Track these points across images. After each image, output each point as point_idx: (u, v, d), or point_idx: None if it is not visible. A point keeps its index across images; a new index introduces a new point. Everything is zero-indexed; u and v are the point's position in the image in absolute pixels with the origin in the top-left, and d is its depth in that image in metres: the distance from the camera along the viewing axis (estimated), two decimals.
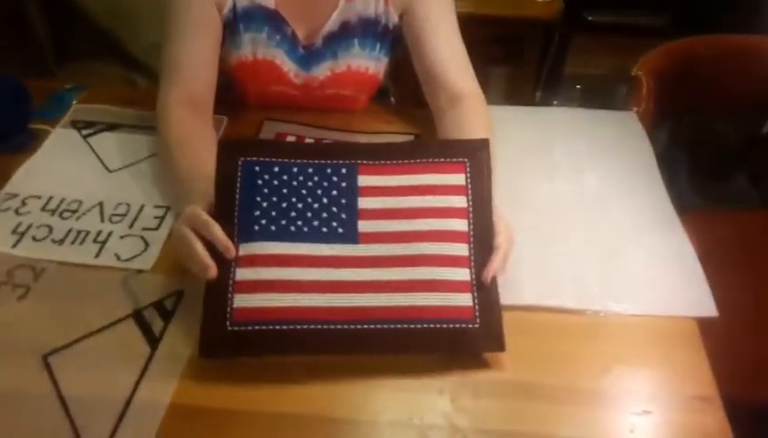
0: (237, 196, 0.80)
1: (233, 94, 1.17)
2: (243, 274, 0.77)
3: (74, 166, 1.04)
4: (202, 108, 1.03)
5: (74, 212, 0.96)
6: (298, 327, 0.75)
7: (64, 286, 0.86)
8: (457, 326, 0.76)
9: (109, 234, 0.93)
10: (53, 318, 0.82)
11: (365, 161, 0.84)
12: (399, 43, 1.13)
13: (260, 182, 0.81)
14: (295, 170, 0.83)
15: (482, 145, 0.85)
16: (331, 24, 1.07)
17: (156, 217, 0.95)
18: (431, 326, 0.76)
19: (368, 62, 1.11)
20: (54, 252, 0.90)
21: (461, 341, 0.76)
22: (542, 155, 1.08)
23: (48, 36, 2.02)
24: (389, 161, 0.84)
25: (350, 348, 0.76)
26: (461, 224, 0.81)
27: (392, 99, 1.39)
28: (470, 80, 1.07)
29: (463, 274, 0.79)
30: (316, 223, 0.80)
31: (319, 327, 0.75)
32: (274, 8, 1.05)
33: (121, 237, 0.92)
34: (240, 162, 0.82)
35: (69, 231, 0.93)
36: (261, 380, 0.76)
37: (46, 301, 0.84)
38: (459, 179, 0.83)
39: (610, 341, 0.82)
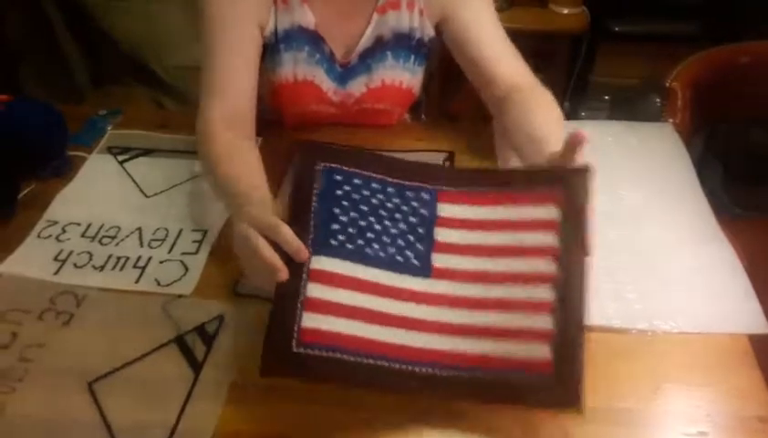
0: (314, 204, 0.76)
1: (267, 117, 1.18)
2: (314, 290, 0.72)
3: (112, 192, 1.05)
4: (245, 124, 1.00)
5: (113, 237, 0.97)
6: (366, 361, 0.69)
7: (106, 313, 0.86)
8: (531, 379, 0.68)
9: (149, 259, 0.93)
10: (97, 344, 0.82)
11: (446, 188, 0.80)
12: (432, 55, 1.13)
13: (340, 192, 0.77)
14: (375, 185, 0.79)
15: (581, 172, 0.74)
16: (365, 40, 1.07)
17: (194, 241, 0.96)
18: (502, 376, 0.69)
19: (403, 75, 1.11)
20: (95, 278, 0.90)
21: (533, 396, 0.68)
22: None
23: (80, 60, 2.06)
24: (472, 189, 0.79)
25: (415, 389, 0.69)
26: (546, 266, 0.72)
27: (423, 115, 1.39)
28: (527, 73, 1.04)
29: (544, 321, 0.70)
30: (392, 250, 0.76)
31: (387, 365, 0.70)
32: (314, 28, 1.05)
33: (161, 262, 0.92)
34: (320, 168, 0.78)
35: (109, 257, 0.94)
36: (305, 406, 0.75)
37: (90, 327, 0.84)
38: (550, 212, 0.75)
39: (658, 360, 0.80)
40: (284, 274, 0.72)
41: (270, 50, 1.06)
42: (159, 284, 0.89)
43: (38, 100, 1.13)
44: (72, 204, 1.03)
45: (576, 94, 2.11)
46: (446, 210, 0.79)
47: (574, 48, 2.02)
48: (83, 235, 0.97)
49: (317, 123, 1.15)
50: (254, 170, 0.88)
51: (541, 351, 0.69)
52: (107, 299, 0.88)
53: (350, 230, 0.76)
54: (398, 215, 0.78)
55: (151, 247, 0.95)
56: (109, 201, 1.03)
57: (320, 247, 0.75)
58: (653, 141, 1.13)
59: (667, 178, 1.05)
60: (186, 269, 0.91)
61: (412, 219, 0.78)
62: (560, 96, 2.08)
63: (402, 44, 1.08)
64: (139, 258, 0.93)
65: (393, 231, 0.77)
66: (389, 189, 0.80)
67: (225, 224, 0.98)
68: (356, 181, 0.79)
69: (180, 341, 0.82)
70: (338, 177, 0.78)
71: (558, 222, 0.74)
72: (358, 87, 1.11)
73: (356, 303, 0.73)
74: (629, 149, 1.11)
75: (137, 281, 0.90)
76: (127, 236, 0.97)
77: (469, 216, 0.78)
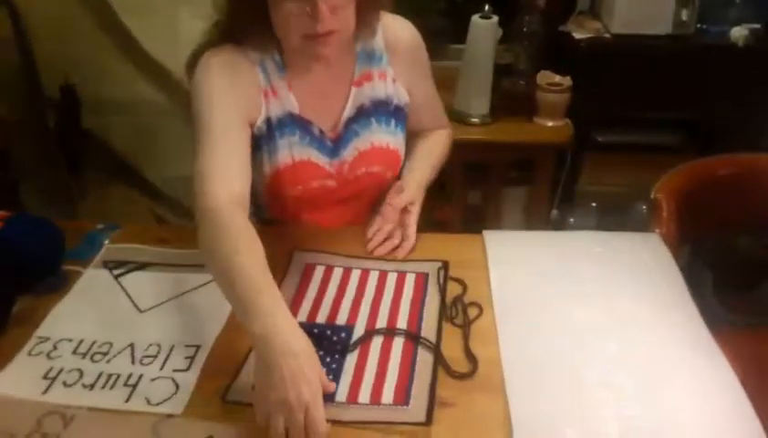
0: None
1: (265, 218, 1.25)
2: None
3: (105, 307, 1.05)
4: (244, 205, 1.01)
5: (105, 354, 0.96)
6: None
7: (94, 435, 0.84)
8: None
9: (140, 376, 0.92)
10: None
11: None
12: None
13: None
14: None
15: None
16: (348, 110, 1.19)
17: (187, 357, 0.95)
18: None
19: (387, 137, 1.22)
20: (84, 397, 0.89)
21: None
22: (569, 280, 1.08)
23: (70, 166, 2.10)
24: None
25: None
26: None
27: None
28: (439, 125, 1.36)
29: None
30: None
31: None
32: (298, 113, 1.15)
33: (152, 380, 0.91)
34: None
35: (100, 374, 0.92)
36: None
37: None
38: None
39: None
40: None
41: (266, 139, 1.14)
42: (149, 403, 0.88)
43: (37, 218, 1.14)
44: (65, 320, 1.03)
45: (564, 202, 2.15)
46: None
47: (559, 158, 2.09)
48: (74, 352, 0.97)
49: (319, 199, 1.20)
50: (265, 264, 0.89)
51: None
52: (95, 420, 0.86)
53: None
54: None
55: (143, 364, 0.94)
56: (103, 316, 1.03)
57: None
58: (641, 252, 1.15)
59: (658, 289, 1.06)
60: (177, 387, 0.90)
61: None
62: (548, 204, 2.14)
63: (382, 109, 1.21)
64: (130, 376, 0.92)
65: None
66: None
67: (217, 339, 0.98)
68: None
69: None
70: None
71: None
72: (349, 152, 1.19)
73: None
74: (620, 260, 1.13)
75: (127, 400, 0.88)
76: (119, 353, 0.96)
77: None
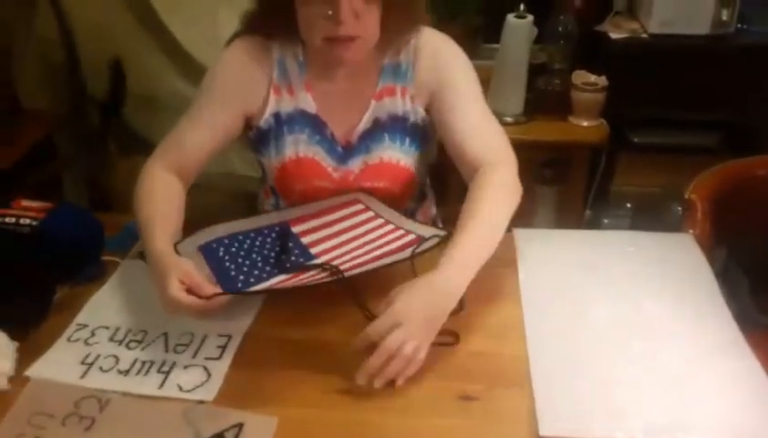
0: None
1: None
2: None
3: (141, 297, 1.08)
4: (186, 177, 1.14)
5: (139, 342, 0.99)
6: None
7: (127, 418, 0.87)
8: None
9: (173, 364, 0.94)
10: None
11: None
12: (430, 138, 1.23)
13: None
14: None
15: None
16: (364, 123, 1.17)
17: (218, 347, 0.97)
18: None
19: (399, 154, 1.18)
20: (119, 383, 0.92)
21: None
22: (600, 278, 1.08)
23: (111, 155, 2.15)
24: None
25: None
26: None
27: (434, 208, 1.41)
28: (491, 154, 1.09)
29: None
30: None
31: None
32: (315, 113, 1.16)
33: (185, 367, 0.94)
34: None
35: (135, 361, 0.95)
36: None
37: (111, 433, 0.85)
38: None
39: None
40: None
41: (274, 134, 1.17)
42: (181, 389, 0.90)
43: (78, 209, 1.19)
44: (102, 309, 1.06)
45: (598, 202, 2.13)
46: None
47: (594, 158, 2.07)
48: (111, 339, 1.00)
49: (322, 199, 1.20)
50: (161, 214, 1.04)
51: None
52: (129, 404, 0.89)
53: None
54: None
55: (176, 352, 0.97)
56: (138, 305, 1.06)
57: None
58: (674, 252, 1.14)
59: (689, 289, 1.05)
60: (209, 375, 0.92)
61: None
62: (582, 204, 2.12)
63: (398, 126, 1.18)
64: (163, 363, 0.95)
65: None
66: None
67: (248, 330, 1.00)
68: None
69: None
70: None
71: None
72: (357, 165, 1.19)
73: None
74: (651, 259, 1.12)
75: (160, 386, 0.91)
76: (153, 340, 0.99)
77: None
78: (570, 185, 2.08)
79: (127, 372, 0.94)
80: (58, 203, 1.15)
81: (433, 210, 1.42)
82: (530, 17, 1.98)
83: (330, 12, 1.00)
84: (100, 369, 0.94)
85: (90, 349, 0.98)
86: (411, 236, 1.07)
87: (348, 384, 0.89)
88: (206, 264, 1.01)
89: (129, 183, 1.12)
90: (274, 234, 1.11)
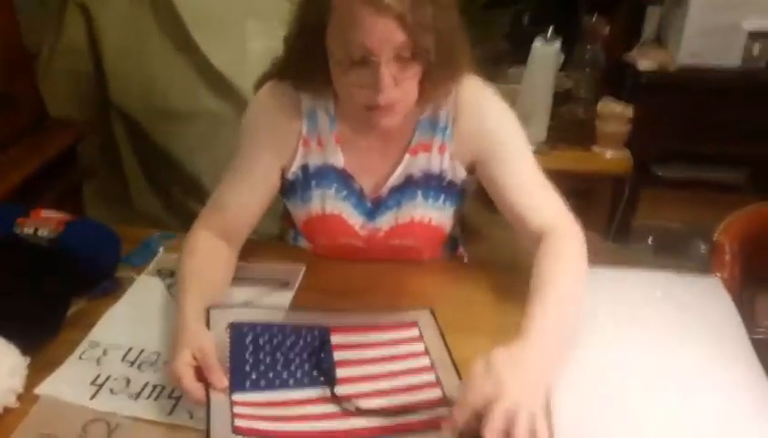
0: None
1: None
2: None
3: (155, 316, 1.07)
4: (235, 238, 1.10)
5: (152, 364, 0.97)
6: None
7: None
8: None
9: None
10: None
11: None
12: (466, 194, 1.17)
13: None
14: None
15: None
16: (396, 178, 1.12)
17: None
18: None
19: (432, 212, 1.13)
20: (129, 407, 0.90)
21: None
22: (627, 324, 1.04)
23: (143, 185, 2.15)
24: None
25: None
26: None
27: (464, 256, 1.39)
28: (551, 217, 1.04)
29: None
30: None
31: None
32: (342, 167, 1.11)
33: None
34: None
35: (146, 384, 0.93)
36: None
37: None
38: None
39: None
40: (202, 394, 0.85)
41: (301, 186, 1.13)
42: (191, 417, 0.88)
43: (97, 223, 1.18)
44: (116, 326, 1.05)
45: (619, 235, 2.10)
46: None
47: (616, 190, 2.04)
48: (123, 359, 0.98)
49: (347, 256, 1.18)
50: (217, 272, 1.03)
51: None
52: (138, 430, 0.87)
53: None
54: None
55: None
56: (153, 325, 1.05)
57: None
58: (702, 297, 1.10)
59: (718, 338, 1.01)
60: None
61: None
62: (602, 237, 2.09)
63: (432, 184, 1.12)
64: (174, 388, 0.93)
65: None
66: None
67: None
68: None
69: None
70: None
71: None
72: (387, 221, 1.14)
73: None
74: (678, 304, 1.08)
75: (170, 413, 0.89)
76: (166, 363, 0.97)
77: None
78: (591, 217, 2.05)
79: (137, 396, 0.92)
80: (78, 214, 1.14)
81: (463, 253, 1.39)
82: (557, 44, 1.96)
83: (371, 80, 0.93)
84: (111, 391, 0.92)
85: (101, 368, 0.96)
86: (437, 392, 0.91)
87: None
88: (229, 346, 0.95)
89: (149, 199, 1.12)
90: (309, 338, 0.99)
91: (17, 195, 1.61)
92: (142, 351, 1.00)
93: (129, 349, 1.00)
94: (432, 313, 1.05)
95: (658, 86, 2.05)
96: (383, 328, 1.01)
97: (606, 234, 2.08)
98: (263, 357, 0.95)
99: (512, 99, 1.94)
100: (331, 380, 0.92)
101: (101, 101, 2.00)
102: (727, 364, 0.97)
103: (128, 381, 0.94)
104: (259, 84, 1.14)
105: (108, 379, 0.94)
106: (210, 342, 0.90)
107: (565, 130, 2.06)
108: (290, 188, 1.15)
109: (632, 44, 2.19)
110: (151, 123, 1.98)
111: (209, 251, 1.06)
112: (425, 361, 0.97)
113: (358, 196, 1.13)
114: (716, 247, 1.26)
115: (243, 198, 1.10)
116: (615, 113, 2.00)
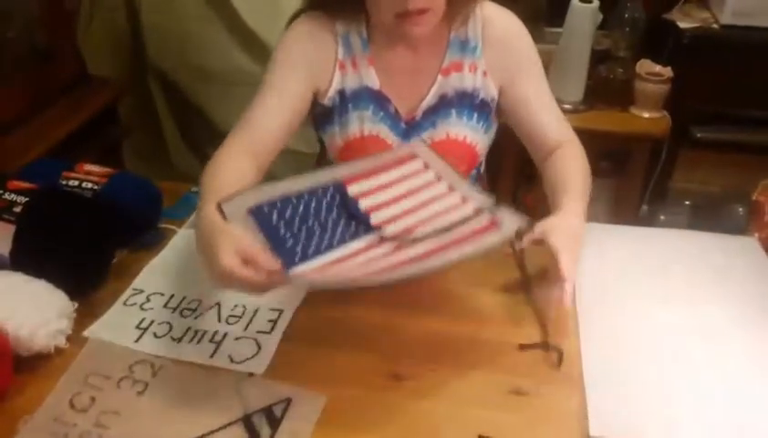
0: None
1: None
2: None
3: (196, 265, 1.09)
4: (264, 156, 1.09)
5: (193, 310, 1.01)
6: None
7: (179, 385, 0.89)
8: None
9: (225, 335, 0.96)
10: (166, 417, 0.84)
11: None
12: (496, 118, 1.22)
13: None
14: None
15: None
16: (429, 99, 1.16)
17: (270, 320, 0.98)
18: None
19: (466, 131, 1.17)
20: (172, 349, 0.94)
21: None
22: (658, 279, 1.05)
23: (178, 141, 2.18)
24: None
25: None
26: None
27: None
28: (564, 131, 1.17)
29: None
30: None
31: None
32: (378, 88, 1.15)
33: (236, 339, 0.95)
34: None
35: (188, 329, 0.97)
36: None
37: (161, 400, 0.86)
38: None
39: None
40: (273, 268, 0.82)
41: (338, 110, 1.16)
42: (232, 360, 0.92)
43: (138, 177, 1.21)
44: (158, 275, 1.08)
45: (656, 198, 2.07)
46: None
47: (653, 152, 2.01)
48: (165, 306, 1.02)
49: None
50: (238, 183, 0.97)
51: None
52: (180, 372, 0.91)
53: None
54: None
55: (228, 323, 0.98)
56: (194, 274, 1.08)
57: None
58: (738, 256, 1.10)
59: (751, 296, 1.01)
60: (259, 348, 0.93)
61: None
62: (638, 199, 2.06)
63: (465, 102, 1.17)
64: (215, 333, 0.96)
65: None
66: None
67: (299, 305, 1.01)
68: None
69: (247, 421, 0.83)
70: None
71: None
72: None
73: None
74: (713, 262, 1.08)
75: (211, 356, 0.92)
76: (206, 311, 1.01)
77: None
78: (627, 179, 2.02)
79: (180, 340, 0.95)
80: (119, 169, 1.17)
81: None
82: (596, 2, 1.91)
83: None
84: (154, 334, 0.96)
85: (145, 314, 1.00)
86: (484, 217, 0.94)
87: (399, 368, 0.90)
88: (259, 230, 0.91)
89: (186, 157, 1.13)
90: (329, 197, 0.99)
91: (60, 152, 1.65)
92: (184, 298, 1.03)
93: (171, 297, 1.03)
94: (425, 142, 1.13)
95: (699, 46, 2.00)
96: (389, 167, 1.04)
97: (641, 196, 2.05)
98: (297, 229, 0.93)
99: (549, 59, 1.94)
100: (370, 227, 0.94)
101: (139, 61, 2.02)
102: (761, 321, 0.96)
103: (170, 326, 0.98)
104: (287, 25, 1.17)
105: (151, 323, 0.98)
106: (244, 233, 0.86)
107: (602, 90, 2.02)
108: (327, 115, 1.18)
109: (673, 3, 2.13)
110: (187, 82, 2.00)
111: (232, 165, 1.04)
112: (442, 187, 1.01)
113: (393, 118, 1.17)
114: (754, 207, 1.24)
115: (275, 117, 1.11)
116: (654, 73, 1.95)
